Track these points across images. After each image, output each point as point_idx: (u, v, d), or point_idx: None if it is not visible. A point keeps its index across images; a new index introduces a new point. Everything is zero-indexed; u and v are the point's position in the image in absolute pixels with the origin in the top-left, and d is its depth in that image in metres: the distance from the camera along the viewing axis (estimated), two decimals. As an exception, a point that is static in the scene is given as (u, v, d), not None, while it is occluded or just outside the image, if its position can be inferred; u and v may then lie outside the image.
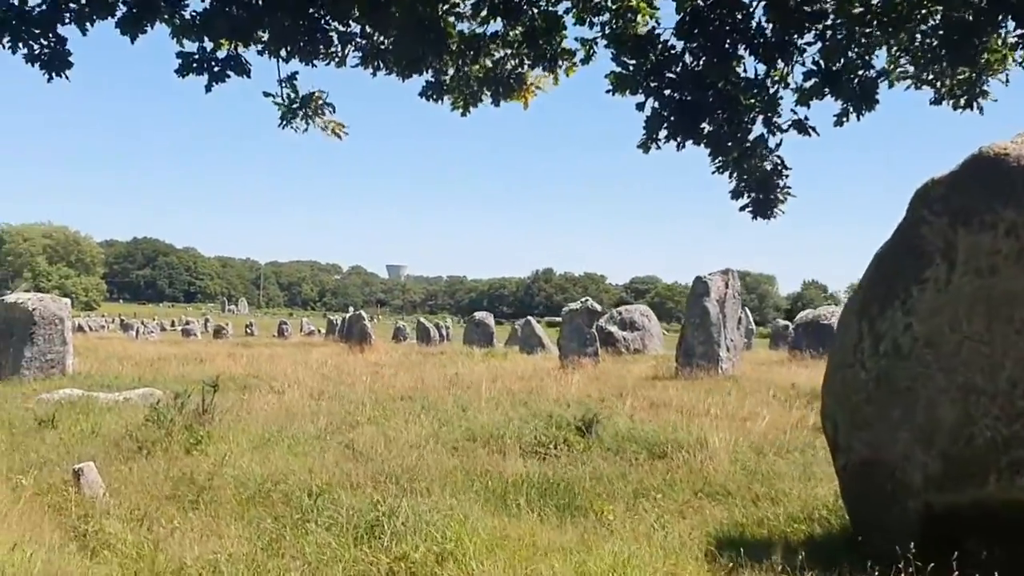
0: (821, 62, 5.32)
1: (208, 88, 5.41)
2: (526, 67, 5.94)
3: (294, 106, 5.80)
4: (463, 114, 5.95)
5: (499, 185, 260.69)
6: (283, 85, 5.68)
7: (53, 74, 5.09)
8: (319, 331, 63.61)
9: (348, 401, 13.12)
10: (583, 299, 23.37)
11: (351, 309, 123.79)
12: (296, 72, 5.68)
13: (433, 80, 5.97)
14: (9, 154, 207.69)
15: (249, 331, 65.90)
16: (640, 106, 5.56)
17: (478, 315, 37.38)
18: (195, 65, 5.41)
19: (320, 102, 5.82)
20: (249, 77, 5.44)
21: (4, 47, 4.94)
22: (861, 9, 5.13)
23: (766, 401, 13.25)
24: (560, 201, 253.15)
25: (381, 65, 5.65)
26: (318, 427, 10.24)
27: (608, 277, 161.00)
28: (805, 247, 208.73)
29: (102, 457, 8.78)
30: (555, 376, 19.18)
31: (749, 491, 7.43)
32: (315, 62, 5.54)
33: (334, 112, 5.92)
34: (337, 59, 5.65)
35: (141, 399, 13.23)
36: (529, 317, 35.00)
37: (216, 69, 5.42)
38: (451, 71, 5.95)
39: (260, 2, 5.18)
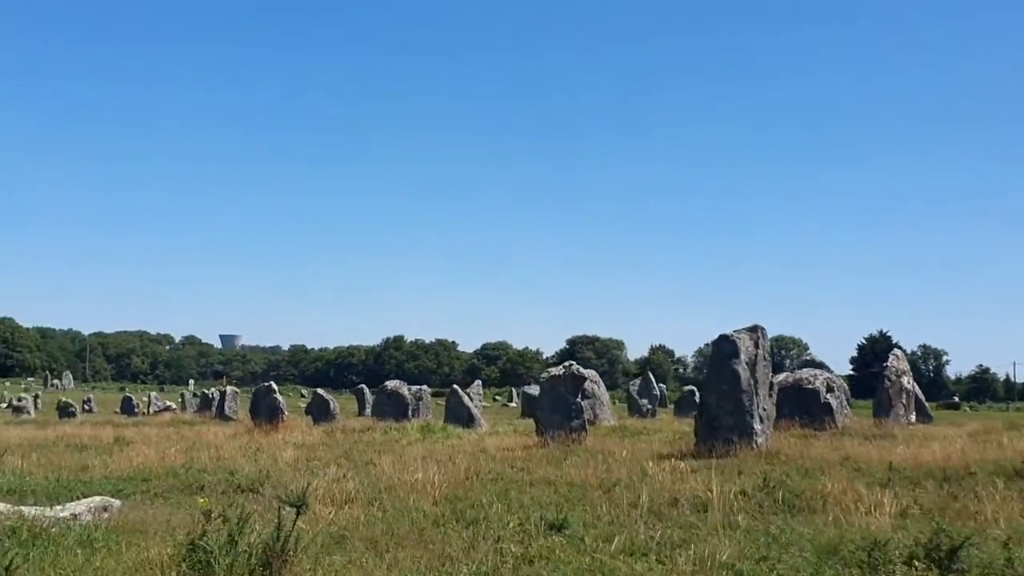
0: None
1: None
2: None
3: None
4: None
5: (336, 249, 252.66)
6: None
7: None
8: (172, 406, 57.10)
9: (418, 513, 9.20)
10: (567, 363, 20.09)
11: (191, 382, 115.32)
12: None
13: None
14: None
15: (87, 407, 58.73)
16: None
17: (390, 384, 33.24)
18: None
19: None
20: None
21: None
22: None
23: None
24: (407, 265, 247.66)
25: None
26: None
27: (459, 344, 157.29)
28: (650, 312, 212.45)
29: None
30: (556, 459, 15.80)
31: None
32: None
33: None
34: None
35: (93, 514, 8.96)
36: (455, 386, 31.30)
37: None
38: None
39: None
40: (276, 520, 6.21)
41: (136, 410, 53.50)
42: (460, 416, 28.91)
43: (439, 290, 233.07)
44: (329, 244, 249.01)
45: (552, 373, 19.82)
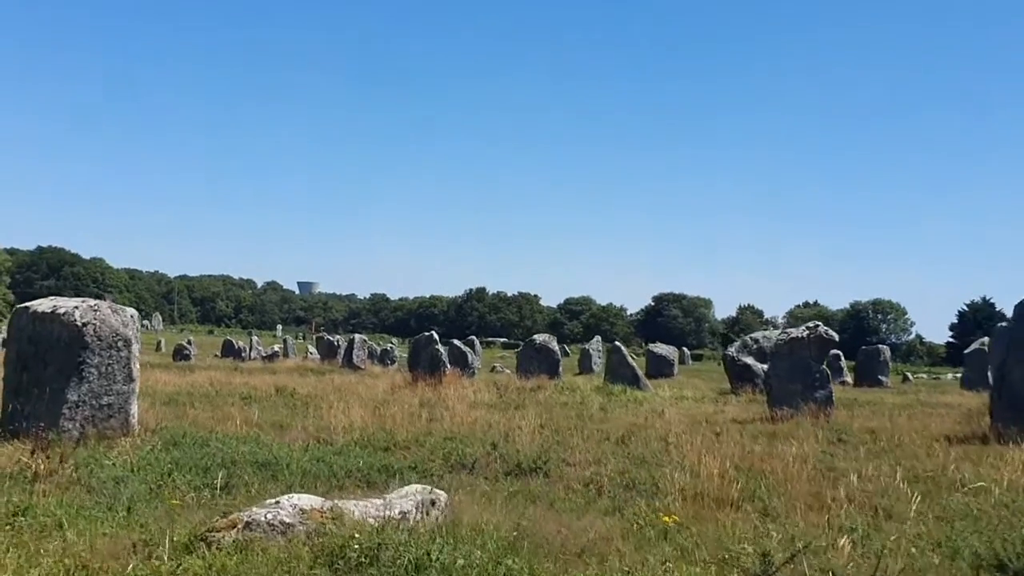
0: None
1: None
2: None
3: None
4: None
5: (418, 199, 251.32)
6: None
7: None
8: (276, 351, 55.50)
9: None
10: (811, 323, 17.15)
11: (279, 327, 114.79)
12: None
13: None
14: None
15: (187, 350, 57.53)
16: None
17: (539, 338, 30.71)
18: None
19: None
20: None
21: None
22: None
23: None
24: (488, 219, 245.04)
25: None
26: None
27: (542, 297, 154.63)
28: (739, 270, 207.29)
29: None
30: (827, 440, 13.13)
31: None
32: None
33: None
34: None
35: (421, 511, 6.46)
36: (617, 343, 28.57)
37: None
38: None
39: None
40: None
41: (243, 355, 51.95)
42: (624, 375, 26.21)
43: (521, 243, 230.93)
44: (406, 193, 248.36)
45: (792, 335, 16.92)
